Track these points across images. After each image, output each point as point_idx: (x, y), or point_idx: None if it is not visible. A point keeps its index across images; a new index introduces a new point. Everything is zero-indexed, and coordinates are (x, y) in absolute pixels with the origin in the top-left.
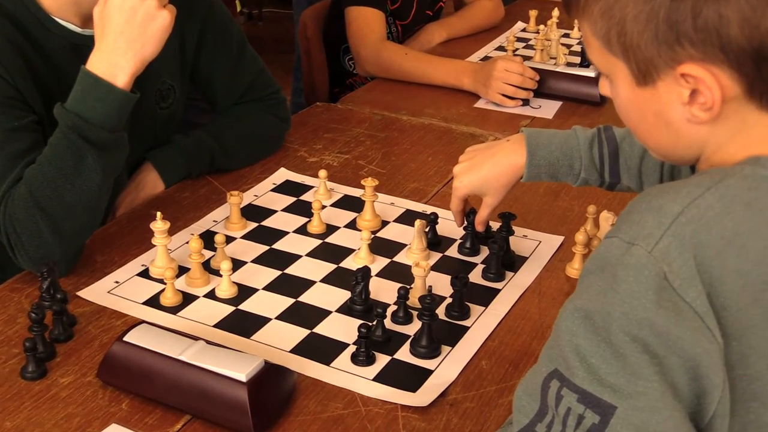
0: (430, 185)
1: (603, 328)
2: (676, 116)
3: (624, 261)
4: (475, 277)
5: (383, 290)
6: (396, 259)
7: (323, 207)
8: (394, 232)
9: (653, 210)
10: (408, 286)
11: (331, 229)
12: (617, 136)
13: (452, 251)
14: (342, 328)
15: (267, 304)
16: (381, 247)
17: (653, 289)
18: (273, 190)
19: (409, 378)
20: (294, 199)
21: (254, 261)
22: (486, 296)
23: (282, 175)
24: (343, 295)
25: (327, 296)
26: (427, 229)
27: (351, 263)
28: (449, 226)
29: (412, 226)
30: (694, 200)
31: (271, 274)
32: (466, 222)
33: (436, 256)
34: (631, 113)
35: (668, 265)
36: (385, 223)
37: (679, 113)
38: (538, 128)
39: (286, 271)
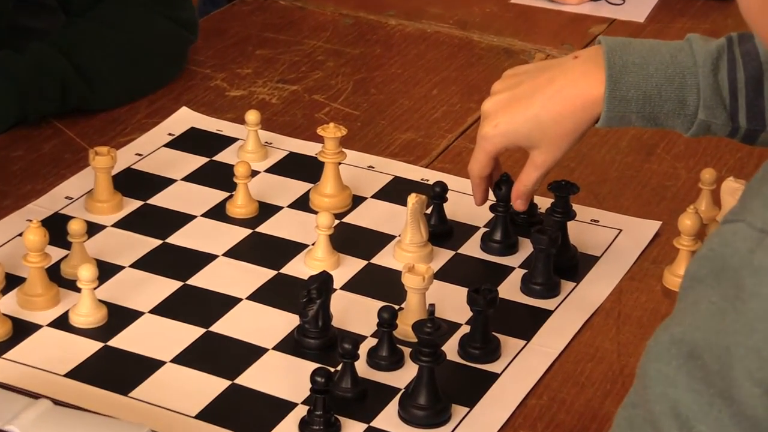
0: (434, 137)
1: (719, 374)
2: None
3: (755, 261)
4: (511, 290)
5: (354, 313)
6: (376, 260)
7: (253, 174)
8: (372, 216)
9: None
10: (396, 307)
11: (266, 210)
12: (762, 51)
13: (471, 246)
14: (285, 378)
15: (158, 337)
16: (351, 240)
17: None
18: (169, 144)
19: None
20: (204, 160)
21: (136, 265)
22: (528, 323)
23: (184, 119)
24: (286, 322)
25: (259, 324)
26: (428, 210)
27: (300, 268)
28: (466, 204)
29: (404, 205)
30: None
31: (165, 287)
32: (495, 196)
33: (443, 256)
34: (762, 15)
35: None
36: (358, 201)
37: None
38: (624, 37)
39: (191, 281)
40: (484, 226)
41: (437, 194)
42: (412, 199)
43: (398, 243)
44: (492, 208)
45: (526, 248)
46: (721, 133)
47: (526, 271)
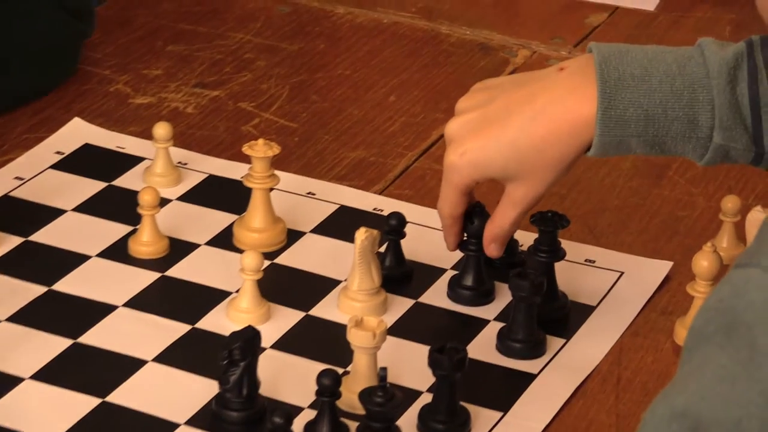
0: (391, 155)
1: None
2: None
3: None
4: (484, 348)
5: (288, 379)
6: (316, 312)
7: (163, 203)
8: (312, 256)
9: None
10: (340, 370)
11: (179, 249)
12: None
13: (435, 294)
14: None
15: (41, 409)
16: (285, 286)
17: None
18: (57, 165)
19: None
20: (102, 185)
21: (13, 319)
22: (506, 389)
23: (76, 133)
24: (202, 390)
25: (169, 392)
26: (382, 249)
27: (221, 322)
28: (430, 240)
29: (351, 242)
30: None
31: (51, 346)
32: (466, 232)
33: (400, 306)
34: None
35: None
36: (294, 237)
37: None
38: (620, 44)
39: (83, 339)
40: (452, 268)
41: (393, 228)
42: (361, 235)
43: (344, 290)
44: (462, 247)
45: (503, 296)
46: (743, 159)
47: (503, 324)
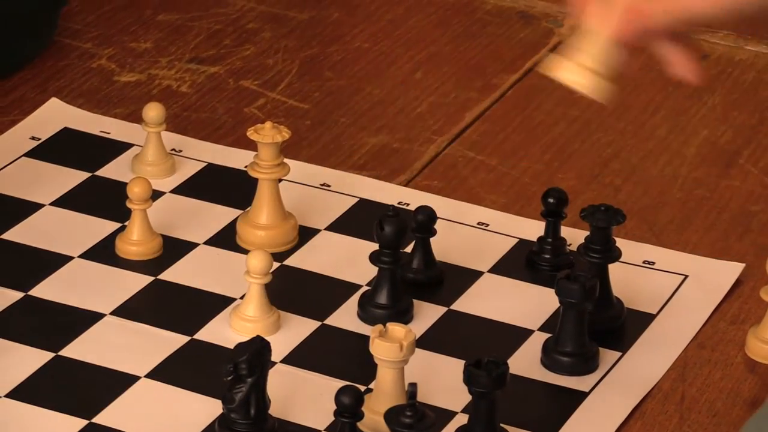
0: (418, 141)
1: None
2: None
3: None
4: (527, 362)
5: (302, 397)
6: (333, 320)
7: (155, 196)
8: (328, 257)
9: None
10: (362, 388)
11: (174, 248)
12: None
13: (470, 300)
14: None
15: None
16: (297, 291)
17: None
18: (32, 153)
19: None
20: (85, 175)
21: None
22: (553, 409)
23: (53, 116)
24: (203, 410)
25: (165, 413)
26: (410, 248)
27: (224, 332)
28: (464, 238)
29: (371, 240)
30: None
31: (29, 360)
32: (378, 240)
33: (430, 313)
34: None
35: None
36: (307, 235)
37: None
38: None
39: (65, 352)
40: (489, 271)
41: (421, 225)
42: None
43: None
44: (374, 258)
45: (549, 303)
46: None
47: (549, 335)
